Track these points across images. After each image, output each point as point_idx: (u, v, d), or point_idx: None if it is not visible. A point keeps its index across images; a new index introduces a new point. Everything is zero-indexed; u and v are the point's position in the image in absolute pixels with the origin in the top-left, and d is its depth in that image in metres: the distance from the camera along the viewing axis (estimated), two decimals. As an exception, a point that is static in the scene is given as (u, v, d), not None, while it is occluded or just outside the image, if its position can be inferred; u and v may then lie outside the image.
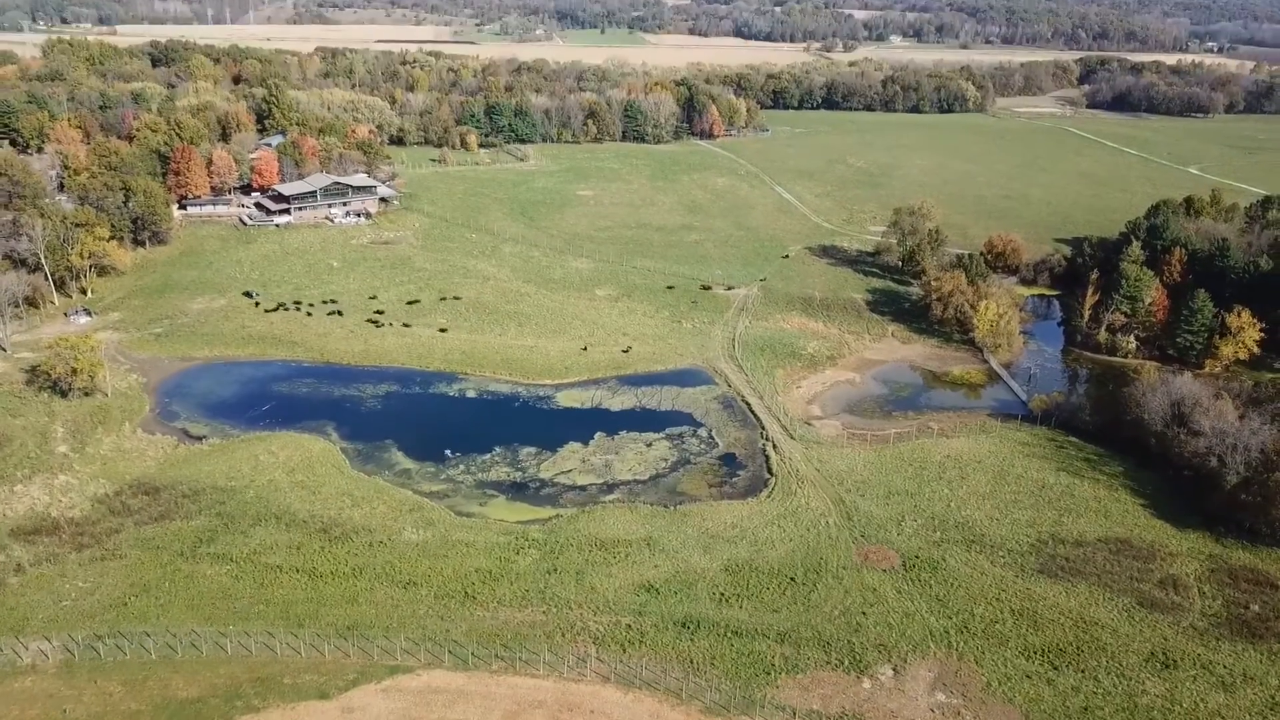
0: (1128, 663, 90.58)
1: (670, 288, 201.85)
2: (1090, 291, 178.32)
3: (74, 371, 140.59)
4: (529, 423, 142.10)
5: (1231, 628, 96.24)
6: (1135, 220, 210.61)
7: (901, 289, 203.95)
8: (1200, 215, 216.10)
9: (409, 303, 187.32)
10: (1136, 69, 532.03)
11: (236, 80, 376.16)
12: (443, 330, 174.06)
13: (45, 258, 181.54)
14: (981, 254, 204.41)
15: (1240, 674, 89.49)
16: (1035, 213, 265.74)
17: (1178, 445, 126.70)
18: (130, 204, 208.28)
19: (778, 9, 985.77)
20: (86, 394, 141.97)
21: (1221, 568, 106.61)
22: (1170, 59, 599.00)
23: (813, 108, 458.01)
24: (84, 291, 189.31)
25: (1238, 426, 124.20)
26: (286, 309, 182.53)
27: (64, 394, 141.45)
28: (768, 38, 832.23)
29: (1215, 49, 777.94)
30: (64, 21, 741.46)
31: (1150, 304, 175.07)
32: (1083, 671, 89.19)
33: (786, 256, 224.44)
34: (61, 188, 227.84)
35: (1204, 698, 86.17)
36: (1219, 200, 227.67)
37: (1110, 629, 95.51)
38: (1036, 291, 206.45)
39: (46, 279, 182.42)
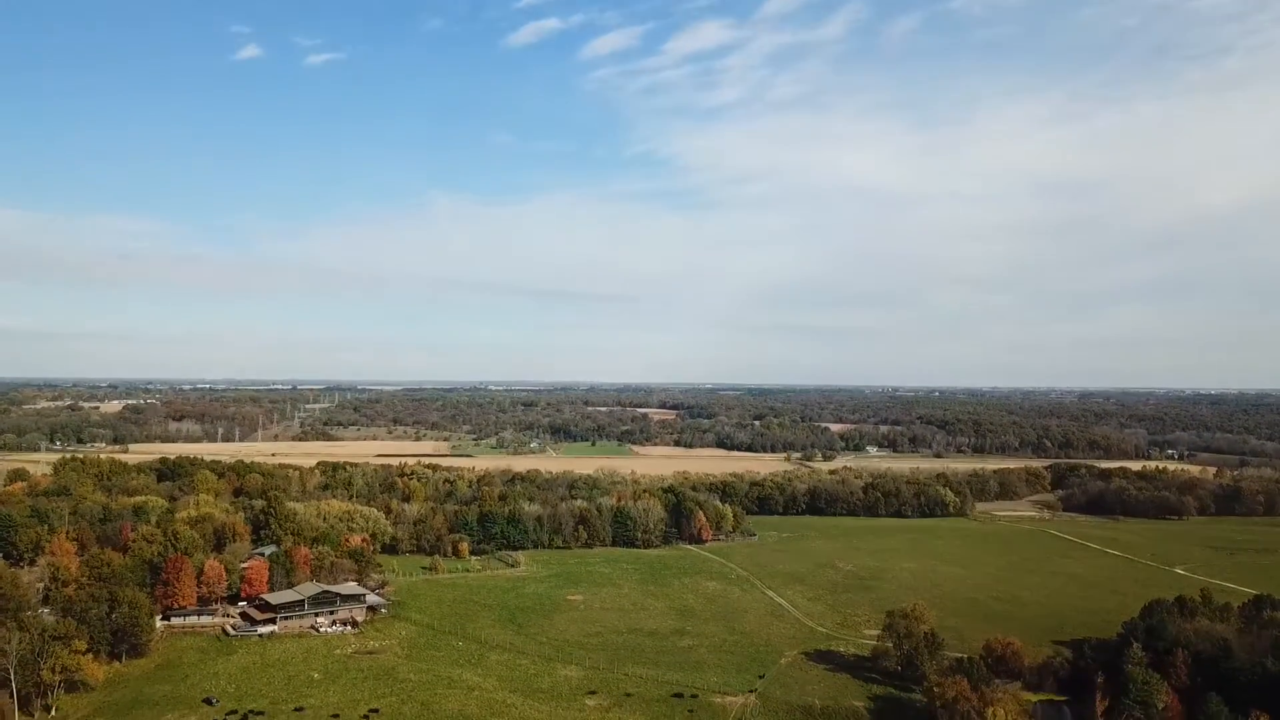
0: None
1: (675, 695, 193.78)
2: (1099, 696, 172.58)
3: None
4: None
5: None
6: (1132, 621, 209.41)
7: (904, 695, 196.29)
8: (1195, 615, 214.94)
9: (390, 717, 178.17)
10: (1105, 475, 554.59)
11: (238, 493, 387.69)
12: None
13: (14, 673, 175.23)
14: (981, 658, 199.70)
15: None
16: (1029, 614, 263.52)
17: None
18: (114, 615, 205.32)
19: (757, 423, 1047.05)
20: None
21: None
22: (1135, 465, 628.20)
23: (797, 513, 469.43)
24: (48, 709, 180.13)
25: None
26: (251, 715, 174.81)
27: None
28: (749, 448, 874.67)
29: (1175, 456, 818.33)
30: (80, 442, 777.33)
31: (1164, 709, 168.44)
32: None
33: (762, 677, 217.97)
34: (47, 599, 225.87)
35: None
36: (1211, 600, 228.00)
37: None
38: (1043, 697, 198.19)
39: (11, 697, 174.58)
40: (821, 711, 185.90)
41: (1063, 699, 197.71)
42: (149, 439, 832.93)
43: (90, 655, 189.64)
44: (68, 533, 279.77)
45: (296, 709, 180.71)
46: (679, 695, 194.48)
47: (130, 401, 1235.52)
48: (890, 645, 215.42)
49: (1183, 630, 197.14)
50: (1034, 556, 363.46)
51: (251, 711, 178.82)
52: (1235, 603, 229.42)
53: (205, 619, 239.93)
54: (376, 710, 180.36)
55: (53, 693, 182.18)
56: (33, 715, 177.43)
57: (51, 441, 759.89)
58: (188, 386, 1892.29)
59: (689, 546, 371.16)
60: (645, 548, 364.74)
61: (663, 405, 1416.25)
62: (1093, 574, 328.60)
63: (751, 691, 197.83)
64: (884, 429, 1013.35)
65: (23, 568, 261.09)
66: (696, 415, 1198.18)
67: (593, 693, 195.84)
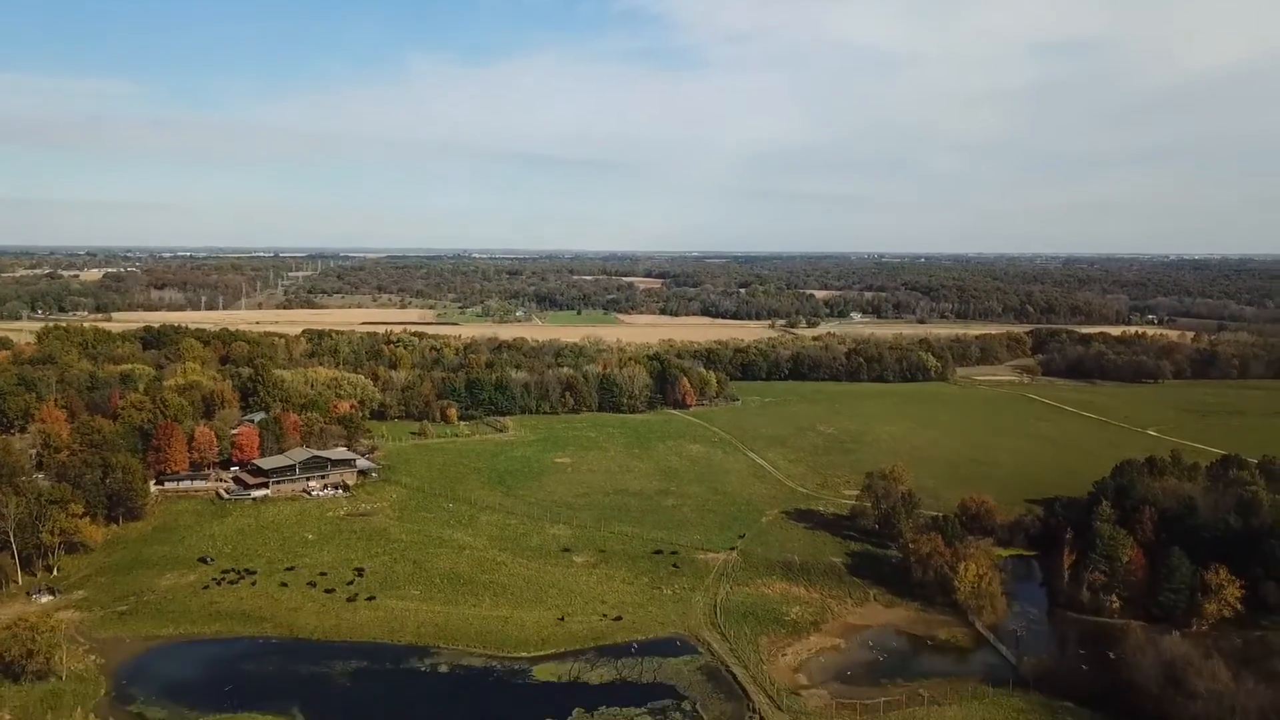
0: None
1: (656, 552, 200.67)
2: (1067, 551, 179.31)
3: (29, 653, 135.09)
4: (504, 699, 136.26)
5: None
6: (1103, 480, 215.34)
7: (880, 552, 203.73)
8: (1164, 475, 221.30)
9: (383, 575, 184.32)
10: (1085, 340, 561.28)
11: (224, 360, 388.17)
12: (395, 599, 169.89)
13: (14, 536, 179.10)
14: (956, 516, 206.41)
15: None
16: (1004, 475, 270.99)
17: (1175, 709, 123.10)
18: (108, 480, 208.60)
19: (742, 290, 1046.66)
20: (40, 677, 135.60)
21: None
22: (1115, 330, 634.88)
23: (780, 378, 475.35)
24: (50, 569, 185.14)
25: (1233, 688, 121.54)
26: (243, 574, 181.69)
27: (16, 678, 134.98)
28: (734, 316, 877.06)
29: (1155, 321, 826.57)
30: (62, 310, 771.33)
31: (1128, 562, 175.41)
32: None
33: (743, 536, 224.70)
34: (41, 466, 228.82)
35: None
36: (1180, 460, 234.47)
37: None
38: (1014, 552, 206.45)
39: (13, 557, 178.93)
40: (800, 567, 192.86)
41: (1032, 554, 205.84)
42: (131, 307, 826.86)
43: (87, 519, 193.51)
44: (56, 400, 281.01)
45: (288, 568, 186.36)
46: (659, 552, 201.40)
47: (110, 269, 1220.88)
48: (868, 505, 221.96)
49: (1151, 489, 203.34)
50: (1011, 420, 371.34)
51: (247, 570, 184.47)
52: (1204, 463, 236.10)
53: (199, 484, 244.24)
54: (362, 570, 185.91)
55: (53, 554, 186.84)
56: (35, 575, 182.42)
57: (33, 310, 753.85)
58: (168, 254, 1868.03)
59: (673, 411, 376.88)
60: (631, 413, 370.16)
61: (649, 274, 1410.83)
62: (1067, 436, 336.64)
63: (732, 549, 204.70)
64: (869, 295, 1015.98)
65: (14, 435, 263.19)
66: (682, 283, 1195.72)
67: (567, 549, 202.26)
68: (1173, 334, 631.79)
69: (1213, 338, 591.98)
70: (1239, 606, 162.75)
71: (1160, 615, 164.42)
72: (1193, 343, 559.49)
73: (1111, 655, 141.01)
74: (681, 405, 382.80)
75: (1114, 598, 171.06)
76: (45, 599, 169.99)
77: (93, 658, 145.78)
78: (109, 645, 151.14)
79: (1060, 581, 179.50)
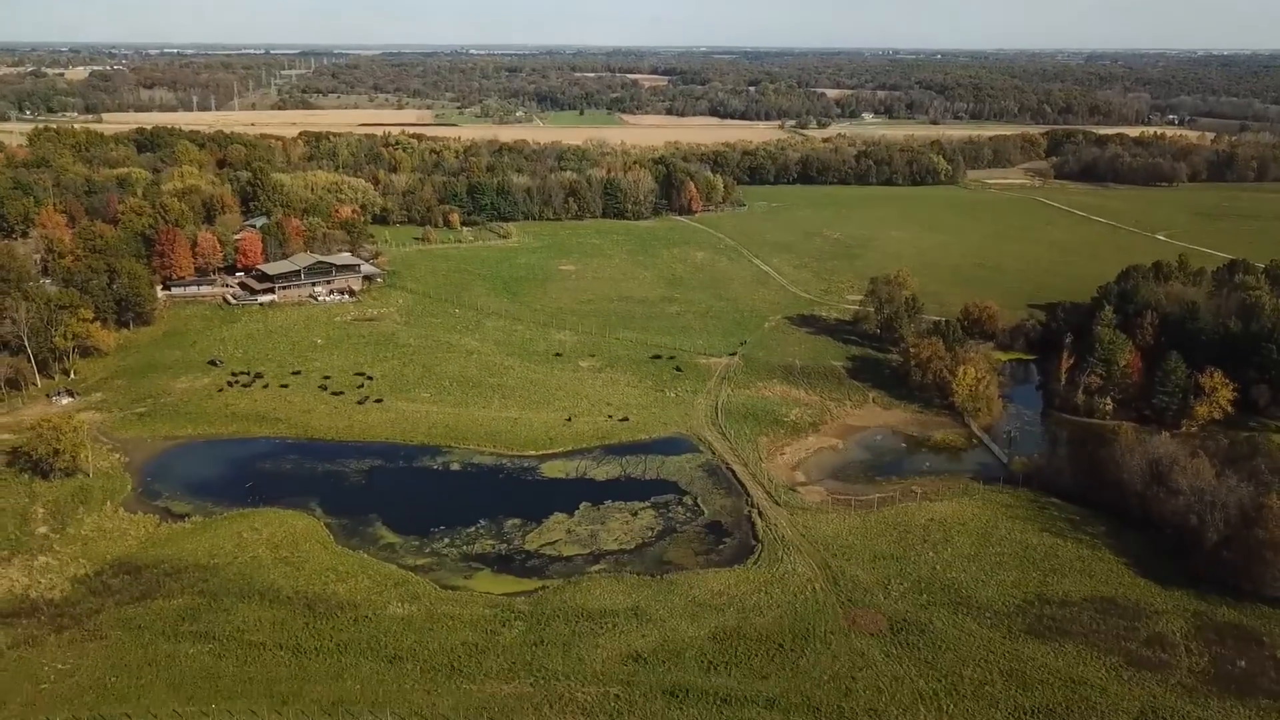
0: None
1: (655, 357, 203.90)
2: (1065, 355, 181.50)
3: (56, 452, 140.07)
4: (514, 494, 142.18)
5: (1219, 685, 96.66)
6: (1107, 285, 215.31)
7: (881, 356, 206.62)
8: (1169, 280, 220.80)
9: (393, 378, 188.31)
10: (1101, 141, 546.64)
11: (221, 164, 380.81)
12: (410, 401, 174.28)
13: (28, 340, 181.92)
14: (958, 321, 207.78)
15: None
16: (1009, 281, 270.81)
17: (1157, 504, 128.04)
18: (115, 285, 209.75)
19: (752, 89, 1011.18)
20: (68, 474, 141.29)
21: (1207, 625, 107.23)
22: (1133, 131, 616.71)
23: (788, 182, 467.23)
24: (67, 373, 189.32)
25: (1215, 485, 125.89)
26: (255, 377, 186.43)
27: (45, 475, 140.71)
28: (743, 116, 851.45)
29: (1176, 121, 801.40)
30: (50, 111, 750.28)
31: (1125, 366, 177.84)
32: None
33: (744, 342, 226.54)
34: (46, 271, 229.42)
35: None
36: (1186, 265, 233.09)
37: (1099, 688, 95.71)
38: (1013, 356, 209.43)
39: (29, 360, 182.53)
40: (801, 370, 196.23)
41: (1031, 358, 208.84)
42: (121, 108, 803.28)
43: (98, 323, 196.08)
44: (55, 205, 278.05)
45: (295, 372, 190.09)
46: (659, 357, 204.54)
47: (96, 68, 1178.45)
48: (871, 310, 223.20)
49: (1154, 294, 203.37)
50: (1020, 224, 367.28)
51: (256, 374, 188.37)
52: (1211, 267, 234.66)
53: (205, 289, 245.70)
54: (367, 375, 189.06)
55: (68, 357, 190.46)
56: (54, 379, 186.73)
57: (20, 111, 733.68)
58: (154, 51, 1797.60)
59: (679, 218, 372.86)
60: (635, 219, 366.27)
61: (654, 71, 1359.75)
62: (1075, 241, 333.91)
63: (734, 354, 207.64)
64: (881, 94, 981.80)
65: (15, 240, 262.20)
66: (689, 81, 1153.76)
67: (565, 354, 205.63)
68: (1193, 135, 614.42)
69: (1233, 139, 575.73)
70: (1230, 409, 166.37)
71: (1152, 417, 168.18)
72: (1212, 144, 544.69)
73: (1099, 454, 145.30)
74: (687, 211, 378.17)
75: (1108, 400, 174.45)
76: (65, 401, 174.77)
77: (117, 456, 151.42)
78: (131, 444, 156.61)
79: (1056, 384, 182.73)
